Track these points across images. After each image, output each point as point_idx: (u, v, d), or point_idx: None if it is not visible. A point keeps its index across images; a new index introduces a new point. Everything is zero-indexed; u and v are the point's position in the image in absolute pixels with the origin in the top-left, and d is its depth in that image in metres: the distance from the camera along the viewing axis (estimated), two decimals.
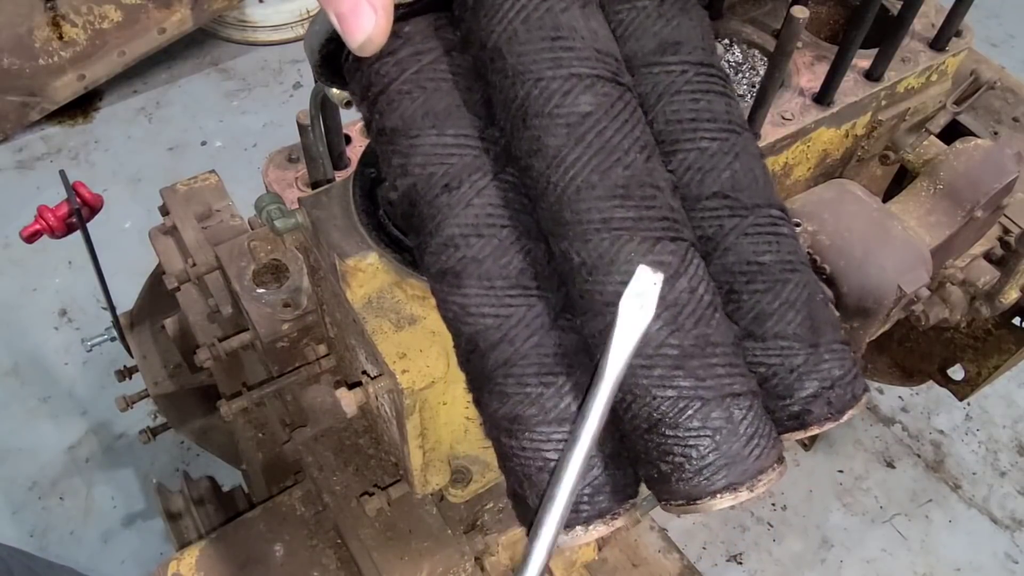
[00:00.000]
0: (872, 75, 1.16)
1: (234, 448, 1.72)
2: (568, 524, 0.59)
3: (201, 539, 1.29)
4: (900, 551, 2.31)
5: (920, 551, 2.31)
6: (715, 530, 2.31)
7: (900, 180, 1.43)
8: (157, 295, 1.68)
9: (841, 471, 2.44)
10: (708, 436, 0.56)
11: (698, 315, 0.57)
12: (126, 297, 1.78)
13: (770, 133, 1.08)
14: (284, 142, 1.16)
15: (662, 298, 0.56)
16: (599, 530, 0.60)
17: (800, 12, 0.90)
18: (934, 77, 1.25)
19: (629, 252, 0.56)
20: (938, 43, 1.22)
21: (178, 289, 1.43)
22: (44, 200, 1.57)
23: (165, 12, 2.96)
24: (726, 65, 1.19)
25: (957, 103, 1.29)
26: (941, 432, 2.53)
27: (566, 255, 0.59)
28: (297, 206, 0.82)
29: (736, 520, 2.33)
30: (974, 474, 2.46)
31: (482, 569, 1.21)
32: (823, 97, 1.12)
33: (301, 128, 0.98)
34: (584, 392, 0.58)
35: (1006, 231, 1.39)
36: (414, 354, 0.74)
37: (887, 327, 1.28)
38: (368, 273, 0.77)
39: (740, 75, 1.18)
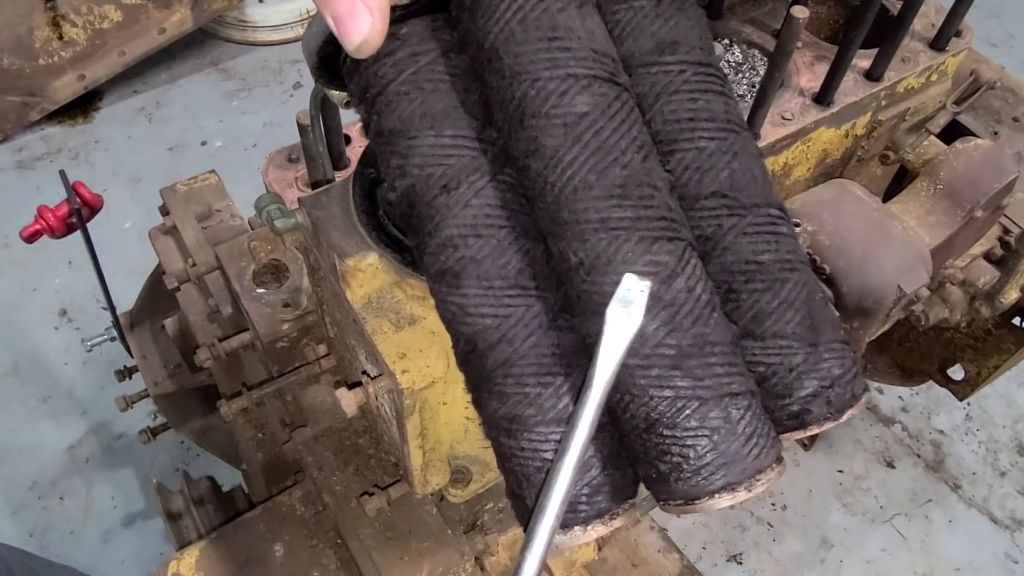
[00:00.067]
0: (872, 75, 1.16)
1: (234, 448, 1.72)
2: (566, 524, 0.59)
3: (201, 539, 1.29)
4: (900, 551, 2.31)
5: (920, 551, 2.31)
6: (715, 530, 2.31)
7: (900, 180, 1.43)
8: (157, 295, 1.68)
9: (841, 471, 2.44)
10: (706, 436, 0.56)
11: (696, 315, 0.57)
12: (126, 297, 1.78)
13: (770, 133, 1.08)
14: (284, 142, 1.16)
15: (659, 298, 0.56)
16: (598, 530, 0.60)
17: (800, 12, 0.90)
18: (934, 77, 1.25)
19: (627, 252, 0.56)
20: (938, 43, 1.22)
21: (178, 289, 1.43)
22: (44, 200, 1.57)
23: (165, 12, 2.96)
24: (726, 65, 1.19)
25: (957, 103, 1.29)
26: (941, 432, 2.53)
27: (564, 255, 0.59)
28: (297, 206, 0.82)
29: (736, 520, 2.33)
30: (974, 474, 2.46)
31: (482, 569, 1.21)
32: (823, 97, 1.12)
33: (301, 128, 0.98)
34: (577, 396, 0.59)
35: (1006, 231, 1.39)
36: (414, 354, 0.74)
37: (887, 327, 1.28)
38: (368, 273, 0.77)
39: (740, 75, 1.17)
